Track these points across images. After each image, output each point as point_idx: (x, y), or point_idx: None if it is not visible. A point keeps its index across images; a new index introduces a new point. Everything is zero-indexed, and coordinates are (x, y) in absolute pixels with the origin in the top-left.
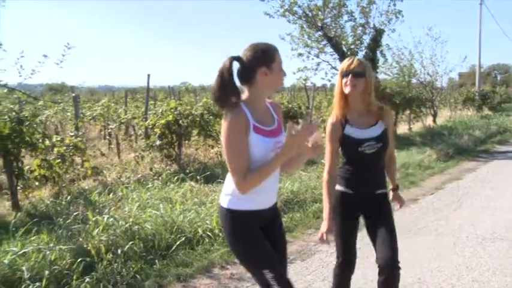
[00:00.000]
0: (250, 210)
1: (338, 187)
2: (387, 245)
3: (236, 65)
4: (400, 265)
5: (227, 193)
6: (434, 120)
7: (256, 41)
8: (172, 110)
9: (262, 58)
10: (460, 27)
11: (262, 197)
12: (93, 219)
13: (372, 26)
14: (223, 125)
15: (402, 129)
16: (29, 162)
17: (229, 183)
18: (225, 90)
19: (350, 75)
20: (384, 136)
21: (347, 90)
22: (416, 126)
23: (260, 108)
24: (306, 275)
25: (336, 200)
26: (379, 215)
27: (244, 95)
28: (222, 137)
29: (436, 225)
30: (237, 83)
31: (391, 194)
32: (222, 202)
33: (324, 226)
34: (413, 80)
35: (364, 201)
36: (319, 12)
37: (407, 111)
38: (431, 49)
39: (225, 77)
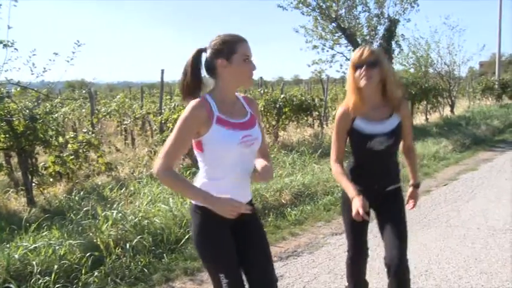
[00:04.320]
0: None
1: None
2: (396, 245)
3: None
4: (408, 263)
5: None
6: (452, 111)
7: (227, 32)
8: (184, 105)
9: (221, 49)
10: (479, 15)
11: (230, 194)
12: (103, 214)
13: (386, 16)
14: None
15: (419, 120)
16: (45, 159)
17: (198, 178)
18: (185, 81)
19: (364, 66)
20: (397, 131)
21: (362, 83)
22: (434, 117)
23: (228, 101)
24: (312, 268)
25: (346, 195)
26: (389, 211)
27: (211, 86)
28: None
29: (447, 216)
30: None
31: (409, 191)
32: None
33: (356, 203)
34: (430, 70)
35: (374, 197)
36: (333, 4)
37: (424, 102)
38: (449, 38)
39: (186, 68)
